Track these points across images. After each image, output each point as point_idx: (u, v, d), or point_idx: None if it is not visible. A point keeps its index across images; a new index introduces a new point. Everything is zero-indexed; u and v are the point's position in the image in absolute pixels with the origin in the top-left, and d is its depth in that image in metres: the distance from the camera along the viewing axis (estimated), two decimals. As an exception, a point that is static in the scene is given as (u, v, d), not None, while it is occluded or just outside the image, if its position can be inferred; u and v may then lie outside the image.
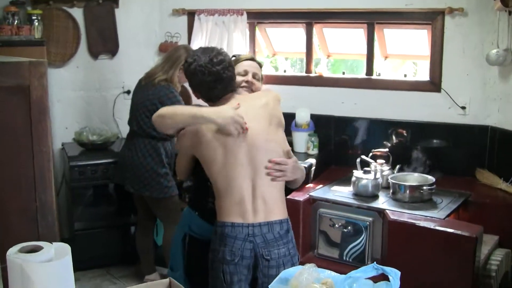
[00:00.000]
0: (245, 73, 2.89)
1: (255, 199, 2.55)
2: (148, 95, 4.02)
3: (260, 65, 3.04)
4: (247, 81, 2.87)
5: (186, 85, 4.42)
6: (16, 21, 4.50)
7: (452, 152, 4.35)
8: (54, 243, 1.58)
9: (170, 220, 4.14)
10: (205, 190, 2.73)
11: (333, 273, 2.08)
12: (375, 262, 1.92)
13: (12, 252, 1.51)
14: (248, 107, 2.64)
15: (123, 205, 4.72)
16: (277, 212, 2.59)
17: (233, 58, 3.03)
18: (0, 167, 2.44)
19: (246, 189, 2.55)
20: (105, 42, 5.14)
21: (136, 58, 5.14)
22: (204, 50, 2.74)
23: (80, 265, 4.60)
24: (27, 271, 1.47)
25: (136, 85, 4.24)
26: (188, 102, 4.49)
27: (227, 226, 2.55)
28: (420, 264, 3.40)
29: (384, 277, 1.95)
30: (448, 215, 3.56)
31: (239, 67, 2.92)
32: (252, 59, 3.02)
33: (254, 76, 2.90)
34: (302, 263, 2.16)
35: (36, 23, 4.53)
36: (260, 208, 2.55)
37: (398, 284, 1.90)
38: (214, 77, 2.65)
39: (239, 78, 2.86)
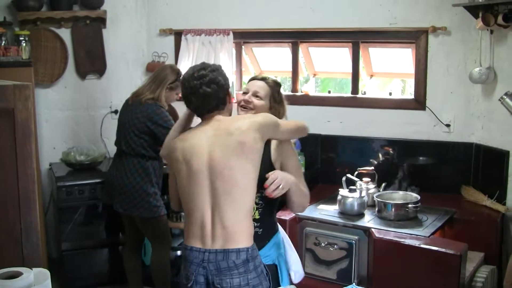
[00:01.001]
0: (246, 91, 2.93)
1: (214, 224, 2.51)
2: (136, 114, 4.03)
3: (270, 84, 2.98)
4: (244, 100, 2.88)
5: (173, 104, 4.49)
6: (4, 42, 4.50)
7: (437, 170, 4.39)
8: (33, 268, 1.58)
9: (158, 239, 4.14)
10: None
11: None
12: (354, 284, 1.94)
13: (-8, 278, 1.52)
14: (219, 130, 2.61)
15: (111, 225, 4.71)
16: (237, 240, 2.49)
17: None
18: (-16, 189, 2.44)
19: (207, 214, 2.52)
20: (93, 62, 5.16)
21: (123, 78, 5.17)
22: (195, 66, 2.75)
23: (68, 285, 4.63)
24: (7, 297, 1.48)
25: (123, 105, 4.25)
26: (176, 120, 4.51)
27: (187, 249, 2.55)
28: (406, 282, 3.42)
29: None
30: (433, 233, 3.59)
31: (244, 87, 3.00)
32: (263, 78, 3.00)
33: (255, 94, 2.89)
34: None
35: (24, 44, 4.53)
36: (218, 234, 2.49)
37: (377, 304, 1.92)
38: (190, 91, 2.65)
39: (239, 98, 2.91)
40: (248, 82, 3.03)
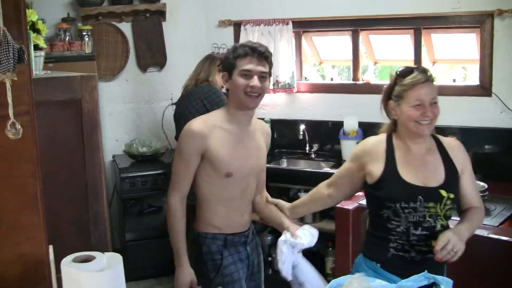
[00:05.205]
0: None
1: None
2: (193, 97, 4.06)
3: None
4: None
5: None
6: (68, 37, 4.64)
7: (505, 158, 4.24)
8: (106, 252, 1.61)
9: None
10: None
11: (383, 282, 2.05)
12: (426, 271, 1.89)
13: (66, 262, 1.55)
14: None
15: (174, 215, 4.76)
16: None
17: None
18: (54, 178, 2.51)
19: None
20: (153, 55, 5.24)
21: (183, 70, 5.17)
22: None
23: (132, 275, 4.70)
24: (81, 280, 1.50)
25: (177, 101, 4.30)
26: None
27: None
28: (474, 272, 3.32)
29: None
30: (502, 222, 3.46)
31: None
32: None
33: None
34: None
35: (87, 39, 4.66)
36: None
37: (450, 292, 1.87)
38: None
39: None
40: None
